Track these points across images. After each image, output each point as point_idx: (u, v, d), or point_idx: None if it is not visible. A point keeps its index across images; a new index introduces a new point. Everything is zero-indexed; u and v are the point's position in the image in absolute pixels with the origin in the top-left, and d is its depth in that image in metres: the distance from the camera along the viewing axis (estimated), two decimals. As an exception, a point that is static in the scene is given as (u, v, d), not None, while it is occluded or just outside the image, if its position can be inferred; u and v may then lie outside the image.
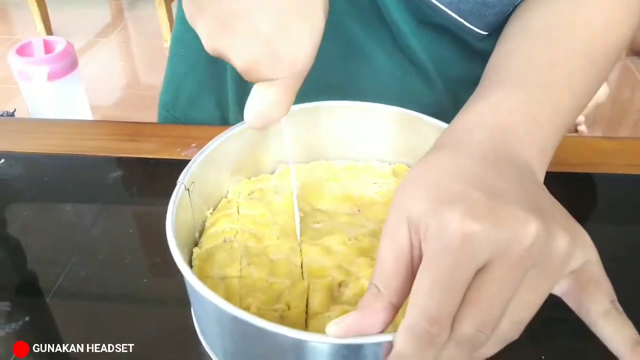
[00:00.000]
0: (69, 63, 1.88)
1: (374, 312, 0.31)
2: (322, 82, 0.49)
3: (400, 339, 0.30)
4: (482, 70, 0.45)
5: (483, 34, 0.54)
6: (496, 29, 0.53)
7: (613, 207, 0.58)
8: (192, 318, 0.43)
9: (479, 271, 0.29)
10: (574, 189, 0.59)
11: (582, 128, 1.19)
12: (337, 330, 0.31)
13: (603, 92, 1.64)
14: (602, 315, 0.31)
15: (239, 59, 0.35)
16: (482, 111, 0.38)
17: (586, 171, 0.60)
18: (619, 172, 0.60)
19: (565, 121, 0.40)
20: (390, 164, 0.52)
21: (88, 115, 2.01)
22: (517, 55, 0.43)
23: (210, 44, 0.35)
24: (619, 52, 0.45)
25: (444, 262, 0.29)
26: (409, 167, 0.51)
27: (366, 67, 0.59)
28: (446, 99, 0.61)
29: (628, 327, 0.31)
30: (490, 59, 0.45)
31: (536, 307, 0.31)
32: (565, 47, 0.43)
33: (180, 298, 0.42)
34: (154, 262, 0.50)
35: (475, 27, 0.54)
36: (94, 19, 2.87)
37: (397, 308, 0.31)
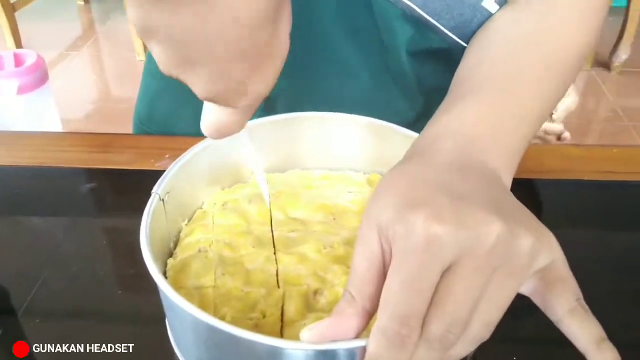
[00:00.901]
0: (39, 76, 1.86)
1: (347, 318, 0.31)
2: (305, 97, 0.50)
3: (373, 341, 0.30)
4: None
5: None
6: None
7: (580, 213, 0.60)
8: (166, 329, 0.43)
9: (445, 272, 0.30)
10: (542, 195, 0.61)
11: (566, 135, 1.22)
12: (311, 336, 0.31)
13: (573, 100, 1.67)
14: (568, 312, 0.32)
15: (201, 92, 0.32)
16: (448, 121, 0.39)
17: (554, 177, 0.61)
18: (586, 178, 0.61)
19: (530, 128, 0.41)
20: (364, 173, 0.52)
21: (59, 129, 1.99)
22: (481, 66, 0.44)
23: (167, 71, 0.31)
24: (582, 59, 0.47)
25: (410, 264, 0.30)
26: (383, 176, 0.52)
27: (351, 84, 0.60)
28: (426, 112, 0.62)
29: (594, 324, 0.32)
30: (457, 70, 0.46)
31: (504, 306, 0.31)
32: (528, 56, 0.44)
33: (155, 310, 0.42)
34: (127, 274, 0.50)
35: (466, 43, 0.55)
36: (65, 32, 2.84)
37: (370, 314, 0.32)
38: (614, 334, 0.46)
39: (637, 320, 0.47)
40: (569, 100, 1.66)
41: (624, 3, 2.34)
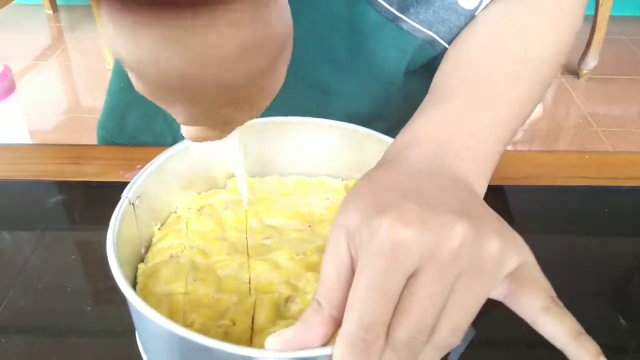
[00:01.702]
0: (6, 87, 1.82)
1: (313, 326, 0.31)
2: (286, 108, 0.49)
3: (338, 347, 0.30)
4: None
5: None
6: None
7: (552, 218, 0.60)
8: (137, 341, 0.42)
9: (411, 277, 0.30)
10: (515, 201, 0.61)
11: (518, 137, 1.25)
12: (276, 343, 0.31)
13: (537, 111, 1.70)
14: (542, 311, 0.31)
15: (182, 122, 0.32)
16: (419, 127, 0.39)
17: (526, 184, 0.62)
18: (558, 184, 0.62)
19: (504, 133, 0.41)
20: (342, 179, 0.52)
21: (26, 141, 1.95)
22: (456, 71, 0.44)
23: (145, 95, 0.30)
24: (559, 59, 0.47)
25: (375, 268, 0.29)
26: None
27: (332, 103, 0.59)
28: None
29: (569, 319, 0.31)
30: (435, 74, 0.46)
31: (473, 311, 0.31)
32: (502, 61, 0.44)
33: (126, 322, 0.41)
34: (98, 288, 0.49)
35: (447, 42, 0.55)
36: (33, 42, 2.80)
37: (338, 322, 0.31)
38: (591, 335, 0.46)
39: (609, 325, 0.48)
40: (534, 111, 1.69)
41: (591, 11, 2.39)
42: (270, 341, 0.31)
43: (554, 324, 0.31)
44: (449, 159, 0.36)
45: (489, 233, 0.30)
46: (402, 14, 0.51)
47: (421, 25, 0.51)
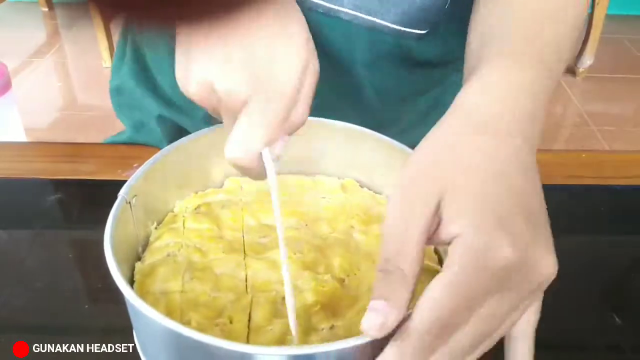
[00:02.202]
0: (2, 84, 1.81)
1: (405, 300, 0.29)
2: None
3: (404, 341, 0.29)
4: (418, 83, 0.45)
5: (422, 33, 0.55)
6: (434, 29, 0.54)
7: (550, 216, 0.60)
8: (134, 339, 0.42)
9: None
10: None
11: None
12: (378, 330, 0.29)
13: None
14: (526, 336, 0.34)
15: (221, 83, 0.35)
16: (505, 96, 0.36)
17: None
18: (555, 182, 0.62)
19: (563, 65, 0.41)
20: (339, 178, 0.52)
21: (22, 139, 1.94)
22: (513, 30, 0.41)
23: (201, 77, 0.37)
24: (580, 28, 0.45)
25: (479, 282, 0.29)
26: (357, 181, 0.52)
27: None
28: (384, 116, 0.62)
29: (530, 353, 0.34)
30: (470, 41, 0.43)
31: (512, 326, 0.33)
32: (549, 20, 0.42)
33: (123, 321, 0.41)
34: (94, 287, 0.49)
35: (419, 29, 0.54)
36: (29, 39, 2.79)
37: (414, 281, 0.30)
38: (586, 334, 0.47)
39: (604, 323, 0.48)
40: None
41: (588, 10, 2.39)
42: (373, 331, 0.29)
43: (518, 349, 0.34)
44: (531, 151, 0.35)
45: (557, 263, 0.32)
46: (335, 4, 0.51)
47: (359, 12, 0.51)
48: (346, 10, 0.52)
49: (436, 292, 0.29)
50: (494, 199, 0.31)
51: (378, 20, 0.52)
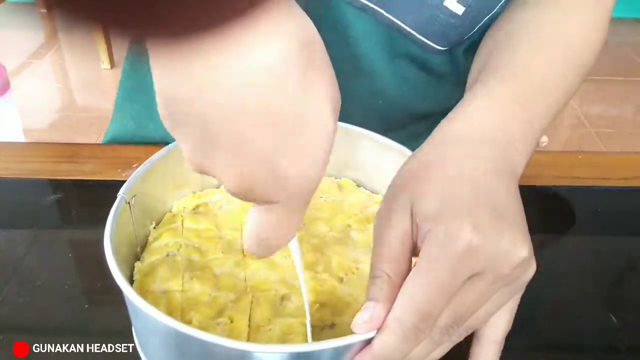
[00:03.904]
0: (1, 85, 1.81)
1: (390, 300, 0.32)
2: None
3: (388, 332, 0.31)
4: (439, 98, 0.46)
5: (441, 49, 0.56)
6: (455, 46, 0.55)
7: (547, 218, 0.60)
8: (134, 339, 0.42)
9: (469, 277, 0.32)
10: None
11: (544, 139, 1.27)
12: (367, 328, 0.32)
13: (543, 139, 1.71)
14: (493, 342, 0.35)
15: (228, 181, 0.28)
16: (484, 116, 0.38)
17: (521, 184, 0.62)
18: (552, 183, 0.62)
19: (548, 123, 0.42)
20: (335, 178, 0.52)
21: (21, 139, 1.94)
22: (507, 61, 0.44)
23: (193, 161, 0.28)
24: (596, 55, 0.48)
25: (444, 269, 0.31)
26: (354, 181, 0.52)
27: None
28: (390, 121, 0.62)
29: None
30: (475, 63, 0.47)
31: (488, 318, 0.34)
32: (550, 53, 0.45)
33: (123, 321, 0.41)
34: (93, 287, 0.49)
35: (436, 45, 0.55)
36: (27, 40, 2.79)
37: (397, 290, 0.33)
38: (583, 335, 0.47)
39: (601, 324, 0.48)
40: (541, 139, 1.70)
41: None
42: (361, 328, 0.32)
43: (484, 357, 0.36)
44: (513, 153, 0.37)
45: (533, 256, 0.34)
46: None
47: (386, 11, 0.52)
48: (371, 5, 0.52)
49: (410, 283, 0.31)
50: (457, 198, 0.33)
51: (397, 21, 0.53)
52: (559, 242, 0.58)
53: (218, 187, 0.51)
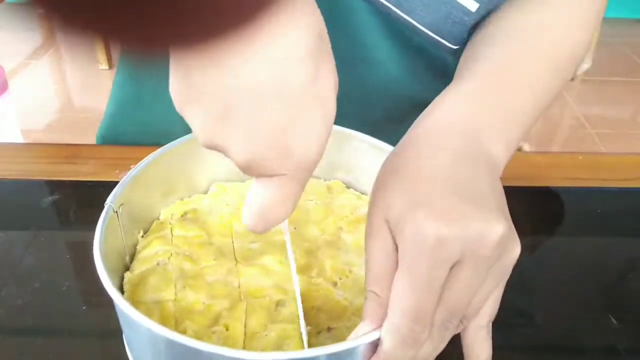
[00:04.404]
0: (-1, 86, 1.81)
1: (380, 317, 0.33)
2: None
3: (387, 340, 0.32)
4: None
5: (454, 48, 0.56)
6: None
7: (546, 219, 0.60)
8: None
9: (452, 268, 0.31)
10: (509, 202, 0.61)
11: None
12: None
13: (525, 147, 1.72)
14: (478, 328, 0.35)
15: (239, 153, 0.29)
16: (453, 104, 0.39)
17: (521, 185, 0.62)
18: (552, 185, 0.62)
19: (528, 119, 0.42)
20: (325, 180, 0.52)
21: (19, 140, 1.94)
22: (485, 54, 0.44)
23: (205, 136, 0.29)
24: (577, 57, 0.48)
25: (420, 265, 0.31)
26: (344, 182, 0.52)
27: None
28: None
29: (488, 345, 0.35)
30: (461, 59, 0.47)
31: (482, 305, 0.34)
32: (530, 49, 0.44)
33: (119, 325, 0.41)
34: (91, 288, 0.48)
35: (449, 43, 0.55)
36: (25, 41, 2.78)
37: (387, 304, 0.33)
38: (583, 336, 0.47)
39: (600, 325, 0.48)
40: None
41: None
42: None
43: (474, 343, 0.35)
44: (483, 141, 0.37)
45: (515, 235, 0.33)
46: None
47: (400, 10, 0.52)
48: (387, 4, 0.52)
49: (395, 289, 0.32)
50: (419, 194, 0.33)
51: (412, 21, 0.53)
52: (559, 243, 0.58)
53: (206, 192, 0.50)
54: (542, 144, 2.16)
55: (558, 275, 0.52)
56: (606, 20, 2.39)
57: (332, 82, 0.30)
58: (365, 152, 0.48)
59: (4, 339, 0.44)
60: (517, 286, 0.50)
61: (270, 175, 0.30)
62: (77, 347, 0.45)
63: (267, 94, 0.28)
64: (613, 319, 0.48)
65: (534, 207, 0.61)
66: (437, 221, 0.31)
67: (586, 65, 2.45)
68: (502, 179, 0.61)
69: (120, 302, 0.34)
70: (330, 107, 0.31)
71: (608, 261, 0.55)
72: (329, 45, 0.31)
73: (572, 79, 2.50)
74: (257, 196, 0.31)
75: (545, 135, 2.19)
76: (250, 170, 0.30)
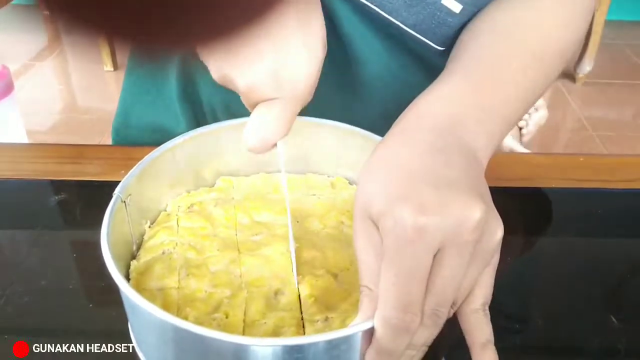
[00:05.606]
0: (4, 87, 1.82)
1: (373, 310, 0.33)
2: None
3: (380, 331, 0.32)
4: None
5: (440, 50, 0.56)
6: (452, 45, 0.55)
7: (548, 220, 0.60)
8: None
9: (435, 255, 0.32)
10: (511, 202, 0.61)
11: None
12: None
13: (543, 115, 1.71)
14: (473, 311, 0.35)
15: (242, 79, 0.37)
16: (433, 100, 0.40)
17: (523, 185, 0.62)
18: (554, 186, 0.62)
19: (512, 113, 0.42)
20: (328, 176, 0.53)
21: (23, 141, 1.94)
22: (469, 50, 0.45)
23: (218, 71, 0.38)
24: (566, 54, 0.48)
25: (403, 255, 0.32)
26: (347, 179, 0.52)
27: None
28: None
29: (486, 328, 0.35)
30: (449, 56, 0.47)
31: (470, 289, 0.34)
32: (514, 45, 0.45)
33: (125, 322, 0.42)
34: (96, 288, 0.49)
35: (434, 44, 0.56)
36: (30, 42, 2.79)
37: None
38: (583, 336, 0.47)
39: (602, 325, 0.48)
40: (539, 115, 1.69)
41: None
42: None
43: (473, 327, 0.35)
44: (461, 132, 0.38)
45: (496, 217, 0.34)
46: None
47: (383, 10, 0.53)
48: (369, 5, 0.53)
49: (382, 282, 0.33)
50: (395, 187, 0.34)
51: (395, 21, 0.53)
52: (560, 244, 0.58)
53: (212, 186, 0.51)
54: (545, 146, 2.16)
55: (559, 275, 0.52)
56: (608, 23, 2.40)
57: (318, 29, 0.38)
58: (369, 149, 0.49)
59: (8, 339, 0.45)
60: (518, 287, 0.51)
61: (267, 100, 0.38)
62: (82, 346, 0.45)
63: (264, 37, 0.36)
64: (614, 320, 0.48)
65: (535, 208, 0.61)
66: (415, 212, 0.32)
67: (588, 68, 2.45)
68: (503, 179, 0.61)
69: (125, 288, 0.35)
70: (315, 49, 0.38)
71: (610, 262, 0.55)
72: (319, 5, 0.38)
73: (574, 81, 2.51)
74: (256, 117, 0.38)
75: (547, 137, 2.20)
76: (251, 93, 0.38)
